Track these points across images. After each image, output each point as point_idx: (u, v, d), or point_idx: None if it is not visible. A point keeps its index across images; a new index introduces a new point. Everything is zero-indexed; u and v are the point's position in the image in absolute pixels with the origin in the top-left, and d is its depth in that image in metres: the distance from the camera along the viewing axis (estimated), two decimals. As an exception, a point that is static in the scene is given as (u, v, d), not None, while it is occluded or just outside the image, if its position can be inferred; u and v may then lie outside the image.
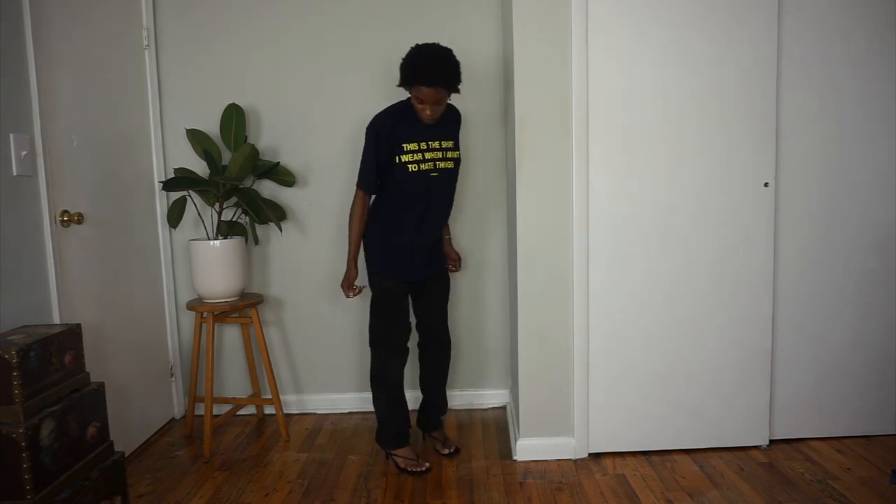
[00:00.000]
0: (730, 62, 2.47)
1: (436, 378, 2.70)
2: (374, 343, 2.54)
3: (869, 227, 2.63)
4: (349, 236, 2.51)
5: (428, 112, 2.32)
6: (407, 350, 2.58)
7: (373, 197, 2.52)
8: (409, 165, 2.37)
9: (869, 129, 2.59)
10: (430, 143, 2.40)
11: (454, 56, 2.31)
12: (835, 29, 2.54)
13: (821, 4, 2.52)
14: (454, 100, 2.48)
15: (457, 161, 2.50)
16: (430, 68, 2.23)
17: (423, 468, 2.51)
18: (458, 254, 2.84)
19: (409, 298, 2.60)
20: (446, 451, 2.64)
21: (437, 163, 2.42)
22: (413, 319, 2.67)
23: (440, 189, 2.46)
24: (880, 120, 2.59)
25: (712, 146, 2.51)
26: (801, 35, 2.53)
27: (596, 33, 2.44)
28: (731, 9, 2.45)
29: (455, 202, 2.64)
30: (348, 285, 2.55)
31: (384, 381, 2.54)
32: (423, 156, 2.38)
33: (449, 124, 2.48)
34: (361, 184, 2.46)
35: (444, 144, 2.44)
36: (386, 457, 2.62)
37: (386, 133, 2.38)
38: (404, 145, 2.36)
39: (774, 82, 2.49)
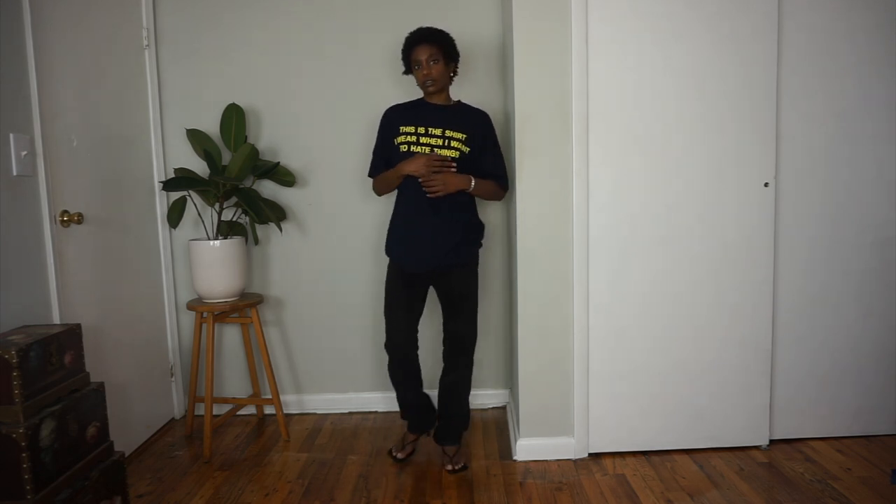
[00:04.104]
0: (731, 62, 2.47)
1: (445, 384, 2.58)
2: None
3: (870, 227, 2.63)
4: (388, 182, 2.51)
5: (425, 72, 2.39)
6: (405, 355, 2.53)
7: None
8: (401, 146, 2.44)
9: (869, 128, 2.59)
10: (430, 129, 2.42)
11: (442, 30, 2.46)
12: (836, 29, 2.54)
13: (822, 4, 2.53)
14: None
15: (466, 155, 2.42)
16: (417, 31, 2.44)
17: (396, 455, 2.61)
18: (460, 181, 2.40)
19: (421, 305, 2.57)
20: (449, 468, 2.52)
21: (436, 150, 2.40)
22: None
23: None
24: (881, 120, 2.59)
25: (712, 146, 2.51)
26: (802, 35, 2.53)
27: (596, 32, 2.44)
28: (733, 9, 2.45)
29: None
30: (423, 162, 2.36)
31: (389, 371, 2.60)
32: (418, 139, 2.43)
33: (466, 119, 2.46)
34: (369, 172, 2.60)
35: (451, 133, 2.41)
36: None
37: (389, 119, 2.52)
38: (401, 128, 2.46)
39: (775, 82, 2.49)
